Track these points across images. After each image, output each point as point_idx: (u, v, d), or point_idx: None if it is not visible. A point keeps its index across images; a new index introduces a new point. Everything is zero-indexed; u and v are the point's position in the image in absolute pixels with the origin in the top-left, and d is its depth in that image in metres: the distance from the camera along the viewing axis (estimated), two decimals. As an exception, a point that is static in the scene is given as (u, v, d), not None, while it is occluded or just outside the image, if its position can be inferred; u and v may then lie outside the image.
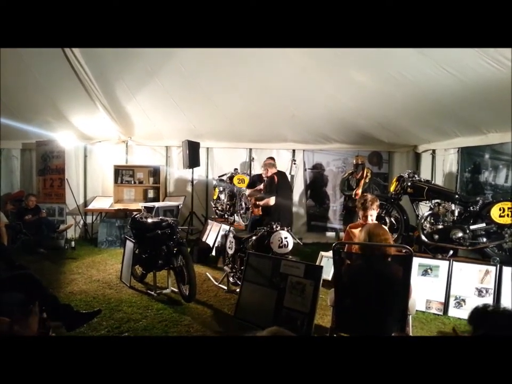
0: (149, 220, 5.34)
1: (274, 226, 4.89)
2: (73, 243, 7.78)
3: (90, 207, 8.56)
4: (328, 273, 5.33)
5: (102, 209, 8.51)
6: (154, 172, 8.96)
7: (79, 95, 6.90)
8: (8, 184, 8.83)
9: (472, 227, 4.96)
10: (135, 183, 8.94)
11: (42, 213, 7.78)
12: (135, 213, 6.22)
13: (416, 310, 3.99)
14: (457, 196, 5.22)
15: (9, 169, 8.85)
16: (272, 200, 5.79)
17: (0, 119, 6.72)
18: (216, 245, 7.21)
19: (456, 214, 5.14)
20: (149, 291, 5.22)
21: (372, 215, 3.92)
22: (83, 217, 8.69)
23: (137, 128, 8.31)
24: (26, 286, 3.42)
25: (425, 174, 7.00)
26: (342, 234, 8.18)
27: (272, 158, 6.81)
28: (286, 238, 4.73)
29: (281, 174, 6.05)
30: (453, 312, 4.54)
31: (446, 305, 4.60)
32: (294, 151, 8.71)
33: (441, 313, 4.58)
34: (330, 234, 8.75)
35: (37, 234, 7.50)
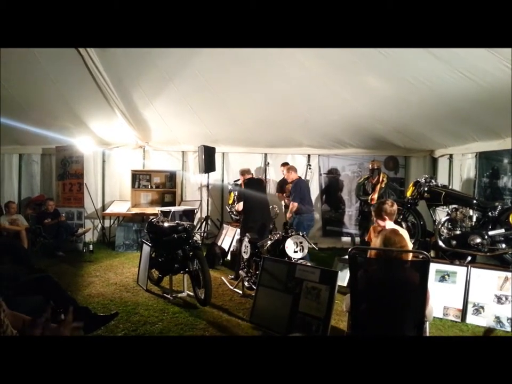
0: (165, 224, 5.40)
1: (289, 231, 4.91)
2: (91, 246, 7.90)
3: (108, 211, 8.70)
4: (343, 278, 5.31)
5: (120, 213, 8.64)
6: (171, 177, 9.05)
7: (98, 102, 7.04)
8: (28, 189, 9.06)
9: (490, 233, 4.89)
10: (151, 187, 9.04)
11: (61, 216, 7.94)
12: (151, 217, 6.29)
13: (434, 317, 3.94)
14: (475, 201, 5.15)
15: (30, 173, 9.07)
16: (240, 206, 6.19)
17: (0, 121, 6.87)
18: (231, 249, 7.24)
19: (474, 219, 5.08)
20: (165, 294, 5.27)
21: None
22: (101, 221, 8.82)
23: (154, 133, 8.43)
24: (45, 289, 3.49)
25: (442, 179, 6.94)
26: (357, 239, 8.15)
27: (286, 164, 6.91)
28: (301, 242, 4.74)
29: (251, 181, 6.39)
30: (471, 319, 4.47)
31: (464, 312, 4.52)
32: (309, 156, 8.70)
33: (459, 320, 4.51)
34: (346, 239, 8.69)
35: (56, 237, 7.64)
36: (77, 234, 8.02)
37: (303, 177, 7.95)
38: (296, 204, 6.41)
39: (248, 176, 6.56)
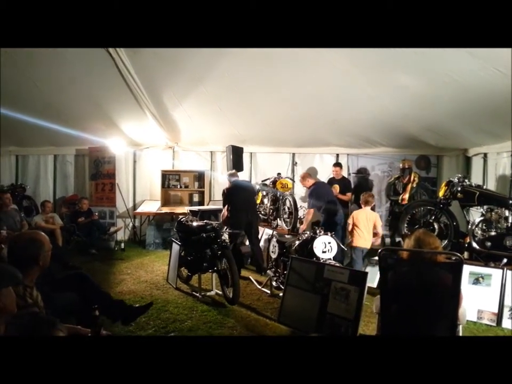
0: (194, 223, 5.46)
1: (317, 231, 4.88)
2: (122, 245, 8.08)
3: (139, 210, 8.89)
4: (373, 280, 5.23)
5: (150, 213, 8.80)
6: (199, 177, 9.17)
7: (129, 104, 7.19)
8: (63, 188, 9.37)
9: (528, 234, 4.72)
10: (181, 187, 9.17)
11: (94, 215, 8.14)
12: (181, 216, 6.39)
13: (467, 320, 3.84)
14: (511, 201, 4.97)
15: (64, 174, 9.39)
16: (225, 213, 6.42)
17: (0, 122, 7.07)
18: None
19: (510, 220, 4.90)
20: (194, 293, 5.34)
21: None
22: (132, 220, 9.02)
23: (183, 134, 8.55)
24: (80, 286, 3.59)
25: (476, 179, 6.72)
26: (387, 240, 8.00)
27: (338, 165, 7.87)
28: (329, 243, 4.71)
29: (234, 186, 6.52)
30: (507, 323, 4.33)
31: (499, 316, 4.38)
32: (337, 155, 8.61)
33: (494, 324, 4.38)
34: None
35: (89, 236, 7.86)
36: (109, 233, 8.23)
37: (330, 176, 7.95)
38: (311, 211, 6.45)
39: (235, 178, 6.76)
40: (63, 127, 7.71)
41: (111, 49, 5.72)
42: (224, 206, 6.51)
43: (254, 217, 6.66)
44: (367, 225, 5.68)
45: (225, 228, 5.86)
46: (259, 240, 6.85)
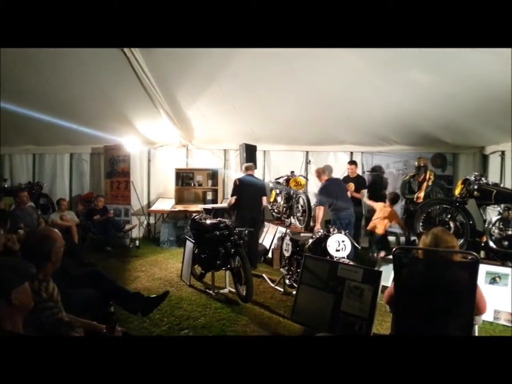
0: (208, 221, 5.49)
1: (331, 230, 4.86)
2: (137, 242, 8.17)
3: (153, 208, 8.96)
4: (387, 278, 5.18)
5: (164, 210, 8.87)
6: (213, 175, 9.20)
7: (143, 102, 7.24)
8: (79, 186, 9.51)
9: (546, 233, 4.62)
10: (194, 185, 9.22)
11: (109, 213, 8.24)
12: (194, 214, 6.42)
13: (483, 321, 3.77)
14: (529, 200, 4.88)
15: (80, 172, 9.52)
16: (232, 200, 6.65)
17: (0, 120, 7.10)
18: (272, 247, 7.26)
19: (529, 219, 4.81)
20: (207, 290, 5.37)
21: None
22: (146, 217, 9.10)
23: (197, 132, 8.58)
24: (96, 282, 3.63)
25: (493, 177, 6.61)
26: (402, 238, 7.93)
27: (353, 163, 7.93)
28: (343, 241, 4.68)
29: (244, 179, 6.74)
30: (525, 324, 4.25)
31: (517, 316, 4.31)
32: (351, 153, 8.55)
33: (510, 324, 4.30)
34: (390, 238, 8.46)
35: (105, 233, 7.95)
36: (124, 230, 8.32)
37: (345, 174, 7.92)
38: (322, 208, 6.44)
39: (249, 172, 6.85)
40: (78, 125, 7.81)
41: (125, 48, 5.76)
42: (232, 195, 6.65)
43: (257, 216, 6.74)
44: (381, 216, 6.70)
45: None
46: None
